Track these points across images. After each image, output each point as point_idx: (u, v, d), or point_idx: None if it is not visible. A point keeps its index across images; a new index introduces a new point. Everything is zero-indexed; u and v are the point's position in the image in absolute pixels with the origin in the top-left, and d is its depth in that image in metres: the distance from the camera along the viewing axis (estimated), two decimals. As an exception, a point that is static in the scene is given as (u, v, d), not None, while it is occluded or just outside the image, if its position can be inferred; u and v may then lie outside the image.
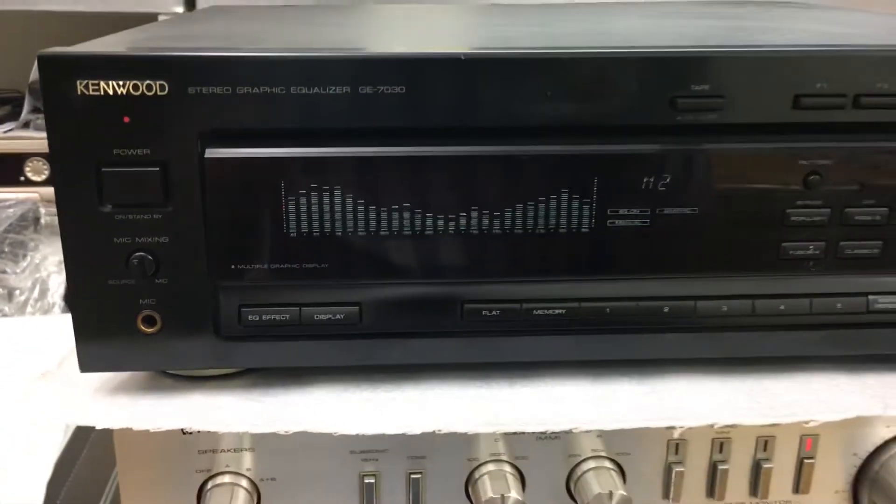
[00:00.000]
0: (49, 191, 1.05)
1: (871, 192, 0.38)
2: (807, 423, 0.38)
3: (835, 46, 0.37)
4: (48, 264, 0.98)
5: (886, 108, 0.37)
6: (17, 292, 0.95)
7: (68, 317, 0.38)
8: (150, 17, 0.90)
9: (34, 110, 1.05)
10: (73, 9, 0.92)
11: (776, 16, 0.55)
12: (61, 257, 0.38)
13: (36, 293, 0.95)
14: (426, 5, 0.71)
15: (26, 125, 1.05)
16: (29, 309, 0.94)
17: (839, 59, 0.37)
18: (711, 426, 0.38)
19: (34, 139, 1.02)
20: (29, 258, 1.00)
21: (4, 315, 0.91)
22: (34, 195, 1.05)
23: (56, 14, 0.94)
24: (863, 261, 0.39)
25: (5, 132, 1.03)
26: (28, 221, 1.05)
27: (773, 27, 0.48)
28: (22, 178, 1.04)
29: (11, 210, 1.04)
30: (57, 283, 0.96)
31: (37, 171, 1.04)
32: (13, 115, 1.07)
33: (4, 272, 0.98)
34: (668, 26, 0.49)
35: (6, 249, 1.00)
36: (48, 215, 1.04)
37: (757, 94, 0.37)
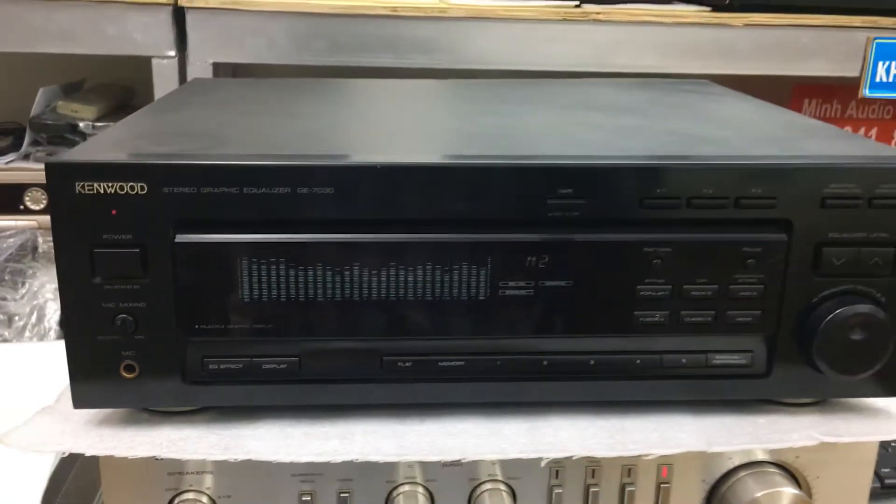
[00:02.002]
0: (47, 219, 1.12)
1: (702, 273, 0.48)
2: (646, 456, 0.48)
3: (672, 160, 0.47)
4: (45, 291, 1.07)
5: (712, 209, 0.47)
6: (17, 318, 1.04)
7: (62, 343, 0.47)
8: (144, 60, 0.99)
9: (34, 143, 1.13)
10: (71, 51, 0.99)
11: (663, 109, 0.65)
12: (57, 285, 0.47)
13: (34, 319, 1.04)
14: (382, 81, 0.81)
15: (26, 157, 1.12)
16: (27, 334, 1.03)
17: (675, 171, 0.47)
18: (570, 457, 0.48)
19: (34, 170, 1.09)
20: (27, 285, 1.09)
21: (4, 340, 1.00)
22: (33, 223, 1.13)
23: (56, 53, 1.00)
24: (700, 326, 0.49)
25: (7, 163, 1.11)
26: (27, 250, 1.14)
27: (645, 127, 0.57)
28: (21, 207, 1.12)
29: (12, 240, 1.13)
30: (53, 309, 1.05)
31: (36, 200, 1.11)
32: (14, 147, 1.14)
33: (4, 299, 1.07)
34: (561, 124, 0.58)
35: (6, 277, 1.09)
36: (46, 244, 1.12)
37: (610, 196, 0.47)
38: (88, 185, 0.45)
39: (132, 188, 0.45)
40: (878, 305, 0.48)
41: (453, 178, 0.46)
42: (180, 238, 0.46)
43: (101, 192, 0.45)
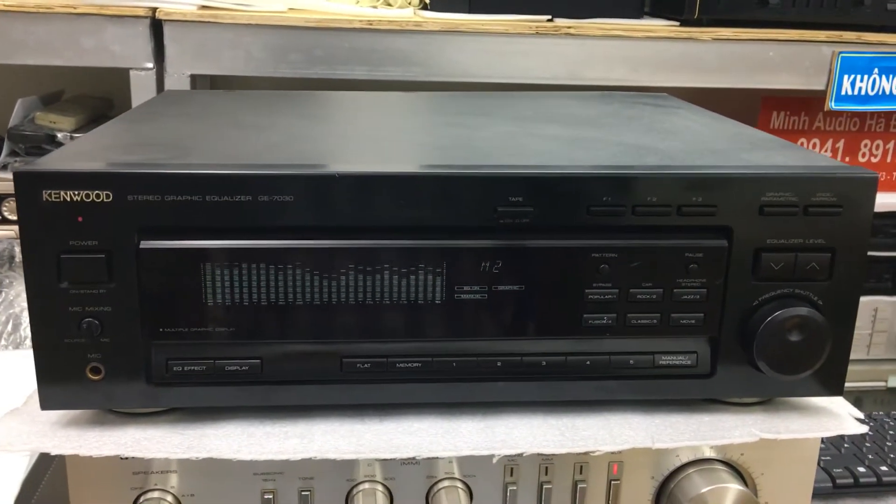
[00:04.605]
0: (24, 229, 1.12)
1: (647, 278, 0.50)
2: (593, 452, 0.50)
3: (617, 169, 0.49)
4: (21, 300, 1.09)
5: (655, 216, 0.49)
6: (-8, 326, 1.05)
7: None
8: (122, 72, 1.00)
9: (12, 153, 1.13)
10: (49, 63, 1.00)
11: (617, 121, 0.67)
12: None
13: (9, 327, 1.06)
14: (350, 93, 0.83)
15: (4, 167, 1.13)
16: (2, 342, 1.04)
17: (619, 180, 0.49)
18: (521, 454, 0.50)
19: (11, 181, 1.10)
20: (3, 294, 1.10)
21: (-21, 348, 1.01)
22: (10, 233, 1.14)
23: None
24: (646, 328, 0.51)
25: (-16, 173, 1.11)
26: (3, 259, 1.15)
27: (597, 138, 0.60)
28: (-1, 217, 1.12)
29: (-12, 251, 1.13)
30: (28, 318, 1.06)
31: (13, 210, 1.12)
32: (-8, 158, 1.15)
33: (-20, 308, 1.07)
34: (518, 135, 0.60)
35: (-18, 286, 1.10)
36: (23, 253, 1.13)
37: (558, 204, 0.49)
38: (55, 194, 0.46)
39: (98, 196, 0.47)
40: (814, 308, 0.51)
41: (409, 187, 0.48)
42: (145, 244, 0.48)
43: (68, 199, 0.46)
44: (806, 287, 0.51)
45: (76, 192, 0.46)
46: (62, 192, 0.46)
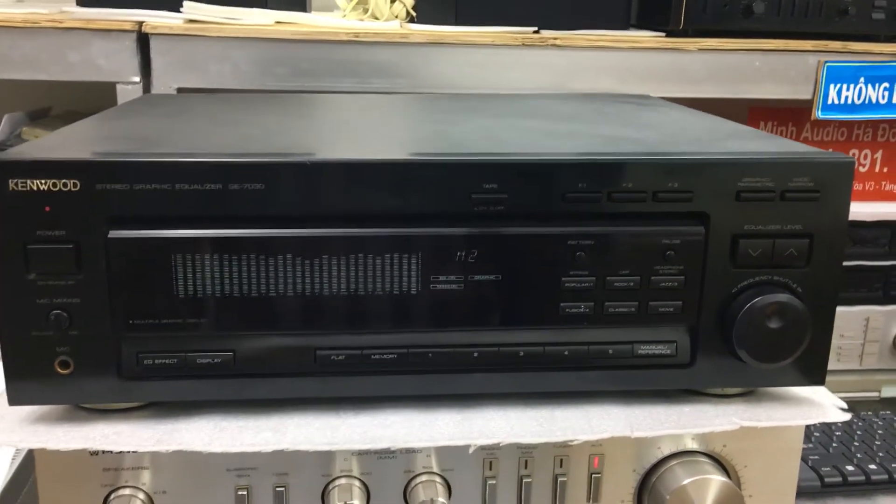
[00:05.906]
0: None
1: (624, 265, 0.50)
2: (571, 441, 0.49)
3: (593, 156, 0.49)
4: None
5: (631, 202, 0.49)
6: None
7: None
8: (109, 86, 1.00)
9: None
10: (35, 78, 1.00)
11: (597, 117, 0.67)
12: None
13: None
14: (334, 95, 0.83)
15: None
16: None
17: (594, 166, 0.48)
18: (498, 444, 0.49)
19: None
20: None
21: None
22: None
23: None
24: (624, 317, 0.50)
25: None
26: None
27: (575, 131, 0.59)
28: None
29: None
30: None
31: None
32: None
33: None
34: (496, 129, 0.60)
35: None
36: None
37: (533, 191, 0.48)
38: (21, 183, 0.46)
39: (65, 185, 0.46)
40: (793, 295, 0.50)
41: (382, 175, 0.48)
42: (113, 234, 0.47)
43: (35, 189, 0.46)
44: (784, 274, 0.50)
45: (43, 182, 0.46)
46: (28, 182, 0.46)
